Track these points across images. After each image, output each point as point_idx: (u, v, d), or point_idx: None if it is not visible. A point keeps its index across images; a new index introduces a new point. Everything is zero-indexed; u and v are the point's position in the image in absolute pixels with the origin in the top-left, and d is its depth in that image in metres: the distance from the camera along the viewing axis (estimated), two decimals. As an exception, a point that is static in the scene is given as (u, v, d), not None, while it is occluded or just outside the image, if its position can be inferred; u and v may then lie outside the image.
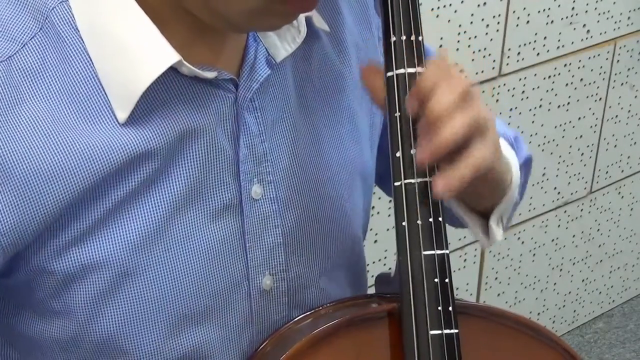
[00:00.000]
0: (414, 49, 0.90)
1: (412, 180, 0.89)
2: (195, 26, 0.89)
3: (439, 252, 0.90)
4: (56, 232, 0.86)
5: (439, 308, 0.90)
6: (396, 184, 0.90)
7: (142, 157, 0.87)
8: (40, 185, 0.84)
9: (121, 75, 0.86)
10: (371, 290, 1.03)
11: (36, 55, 0.85)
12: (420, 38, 0.90)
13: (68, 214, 0.86)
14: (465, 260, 2.45)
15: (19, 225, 0.84)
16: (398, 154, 0.90)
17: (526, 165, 1.14)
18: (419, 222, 0.90)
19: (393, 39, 0.90)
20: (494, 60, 2.28)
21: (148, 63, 0.86)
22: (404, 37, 0.90)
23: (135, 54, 0.85)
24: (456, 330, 0.91)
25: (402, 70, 0.90)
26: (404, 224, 0.90)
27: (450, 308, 0.90)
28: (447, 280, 0.90)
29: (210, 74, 0.89)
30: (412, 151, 0.89)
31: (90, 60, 0.86)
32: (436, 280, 0.90)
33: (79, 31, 0.86)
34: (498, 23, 2.24)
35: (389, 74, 0.90)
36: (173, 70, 0.87)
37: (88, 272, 0.88)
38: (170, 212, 0.90)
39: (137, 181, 0.88)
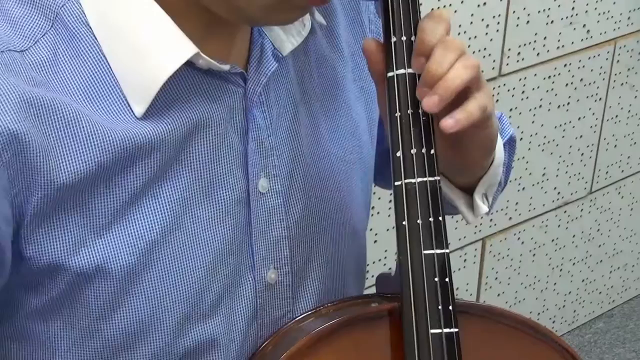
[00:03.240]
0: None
1: (413, 180, 0.90)
2: (207, 21, 0.89)
3: (439, 251, 0.90)
4: (68, 220, 0.86)
5: (439, 307, 0.90)
6: (396, 183, 0.90)
7: (156, 147, 0.87)
8: (47, 152, 0.83)
9: (137, 69, 0.86)
10: (371, 290, 1.04)
11: (49, 51, 0.85)
12: None
13: (80, 198, 0.85)
14: (465, 260, 2.45)
15: (25, 191, 0.83)
16: (398, 154, 0.90)
17: (510, 144, 1.15)
18: (419, 221, 0.90)
19: (393, 39, 0.90)
20: (494, 60, 2.28)
21: (165, 56, 0.86)
22: (404, 38, 0.90)
23: (151, 47, 0.86)
24: (456, 330, 0.91)
25: (402, 71, 0.90)
26: (404, 223, 0.90)
27: (450, 307, 0.91)
28: (447, 279, 0.91)
29: (224, 66, 0.90)
30: (413, 151, 0.90)
31: (104, 56, 0.86)
32: (436, 279, 0.90)
33: (90, 27, 0.86)
34: (498, 23, 2.24)
35: (390, 74, 0.91)
36: (187, 64, 0.87)
37: (102, 269, 0.88)
38: (182, 207, 0.90)
39: (151, 172, 0.88)
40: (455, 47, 0.89)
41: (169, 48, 0.86)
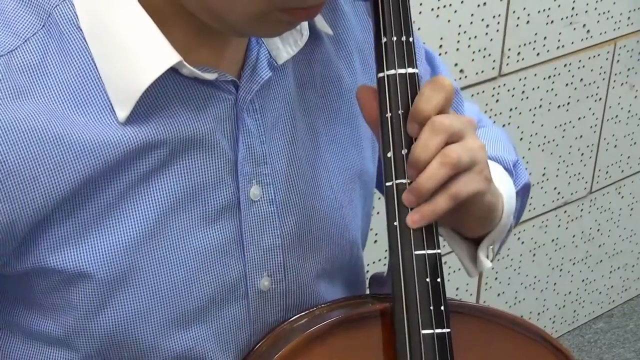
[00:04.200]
0: (405, 49, 0.90)
1: (404, 181, 0.90)
2: (198, 28, 0.89)
3: (430, 251, 0.90)
4: (52, 227, 0.87)
5: (431, 308, 0.90)
6: (387, 184, 0.90)
7: (140, 153, 0.88)
8: (34, 179, 0.84)
9: (122, 74, 0.86)
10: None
11: (37, 51, 0.85)
12: (411, 39, 0.91)
13: (64, 208, 0.86)
14: (465, 260, 2.45)
15: (11, 218, 0.85)
16: (389, 154, 0.90)
17: (524, 191, 1.14)
18: None
19: (384, 40, 0.90)
20: (494, 60, 2.28)
21: (149, 63, 0.86)
22: (394, 38, 0.90)
23: (136, 53, 0.86)
24: (448, 330, 0.91)
25: (392, 71, 0.90)
26: (395, 223, 0.90)
27: (442, 308, 0.91)
28: (438, 280, 0.91)
29: (210, 76, 0.90)
30: (404, 152, 0.90)
31: (92, 58, 0.86)
32: (428, 280, 0.90)
33: (81, 30, 0.86)
34: (498, 23, 2.24)
35: (380, 74, 0.91)
36: (174, 71, 0.88)
37: (85, 270, 0.88)
38: (168, 211, 0.91)
39: (134, 178, 0.88)
40: (443, 130, 0.88)
41: (152, 55, 0.86)
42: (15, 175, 0.84)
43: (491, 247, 1.05)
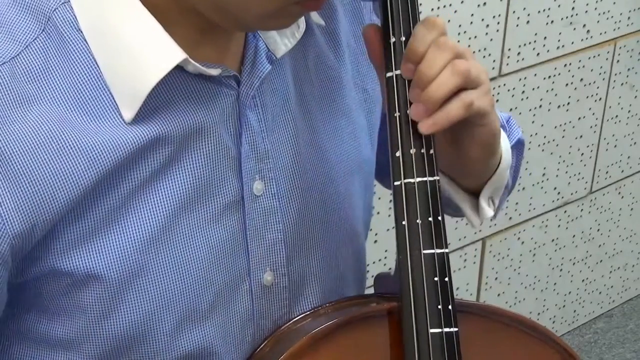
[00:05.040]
0: None
1: (412, 180, 0.90)
2: (200, 25, 0.89)
3: (438, 251, 0.91)
4: (63, 230, 0.87)
5: (439, 307, 0.91)
6: (396, 183, 0.91)
7: (146, 152, 0.88)
8: (48, 187, 0.84)
9: (127, 74, 0.86)
10: (370, 290, 1.04)
11: (39, 56, 0.85)
12: None
13: (75, 212, 0.86)
14: (465, 260, 2.45)
15: (29, 227, 0.84)
16: (398, 154, 0.90)
17: (518, 147, 1.14)
18: (418, 221, 0.91)
19: (392, 40, 0.91)
20: (494, 60, 2.28)
21: (154, 62, 0.86)
22: (403, 38, 0.90)
23: (140, 53, 0.86)
24: (456, 329, 0.91)
25: (400, 71, 0.90)
26: (403, 223, 0.90)
27: (450, 307, 0.91)
28: (446, 279, 0.91)
29: (214, 71, 0.90)
30: (412, 151, 0.90)
31: (94, 60, 0.86)
32: (436, 279, 0.91)
33: (81, 32, 0.86)
34: (498, 23, 2.24)
35: (389, 74, 0.91)
36: (178, 68, 0.88)
37: (96, 271, 0.88)
38: (175, 210, 0.91)
39: (141, 177, 0.88)
40: (449, 48, 0.89)
41: (157, 54, 0.86)
42: (29, 184, 0.84)
43: (491, 199, 1.05)
